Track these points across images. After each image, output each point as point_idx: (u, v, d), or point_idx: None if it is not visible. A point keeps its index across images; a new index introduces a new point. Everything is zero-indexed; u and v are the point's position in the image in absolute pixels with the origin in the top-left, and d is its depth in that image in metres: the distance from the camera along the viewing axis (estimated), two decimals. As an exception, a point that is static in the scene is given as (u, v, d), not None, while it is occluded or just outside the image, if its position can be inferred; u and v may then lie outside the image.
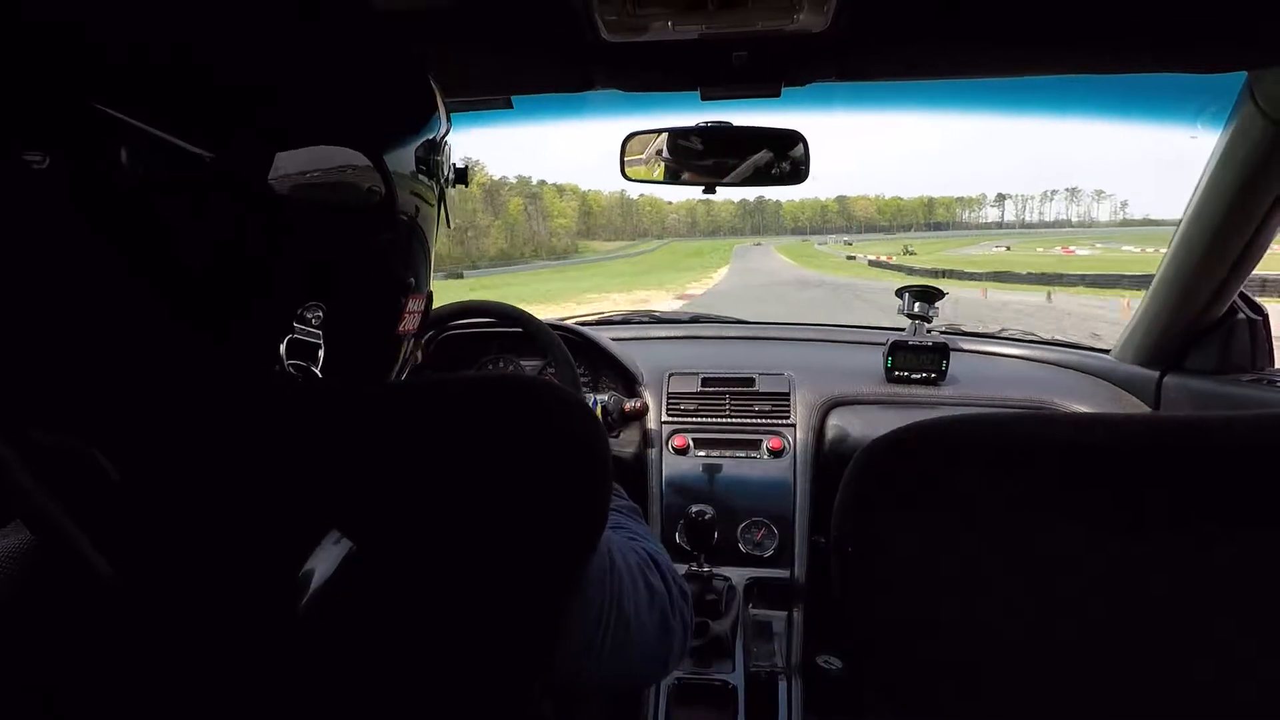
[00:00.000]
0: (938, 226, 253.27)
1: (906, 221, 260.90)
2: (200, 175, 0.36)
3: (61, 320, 0.34)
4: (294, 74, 0.40)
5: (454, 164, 0.56)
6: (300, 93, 0.40)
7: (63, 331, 0.34)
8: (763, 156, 1.05)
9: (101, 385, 0.35)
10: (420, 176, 0.48)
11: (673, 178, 1.12)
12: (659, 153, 1.10)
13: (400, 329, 0.50)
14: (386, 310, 0.49)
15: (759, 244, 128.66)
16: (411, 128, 0.48)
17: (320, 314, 0.42)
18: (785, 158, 1.06)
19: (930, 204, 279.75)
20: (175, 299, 0.37)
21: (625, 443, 1.42)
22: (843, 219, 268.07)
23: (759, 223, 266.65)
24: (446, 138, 0.52)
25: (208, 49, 0.37)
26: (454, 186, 0.56)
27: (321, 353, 0.42)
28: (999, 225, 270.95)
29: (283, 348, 0.41)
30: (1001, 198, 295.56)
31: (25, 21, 0.33)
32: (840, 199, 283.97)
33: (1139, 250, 65.17)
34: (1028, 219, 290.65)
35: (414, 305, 0.51)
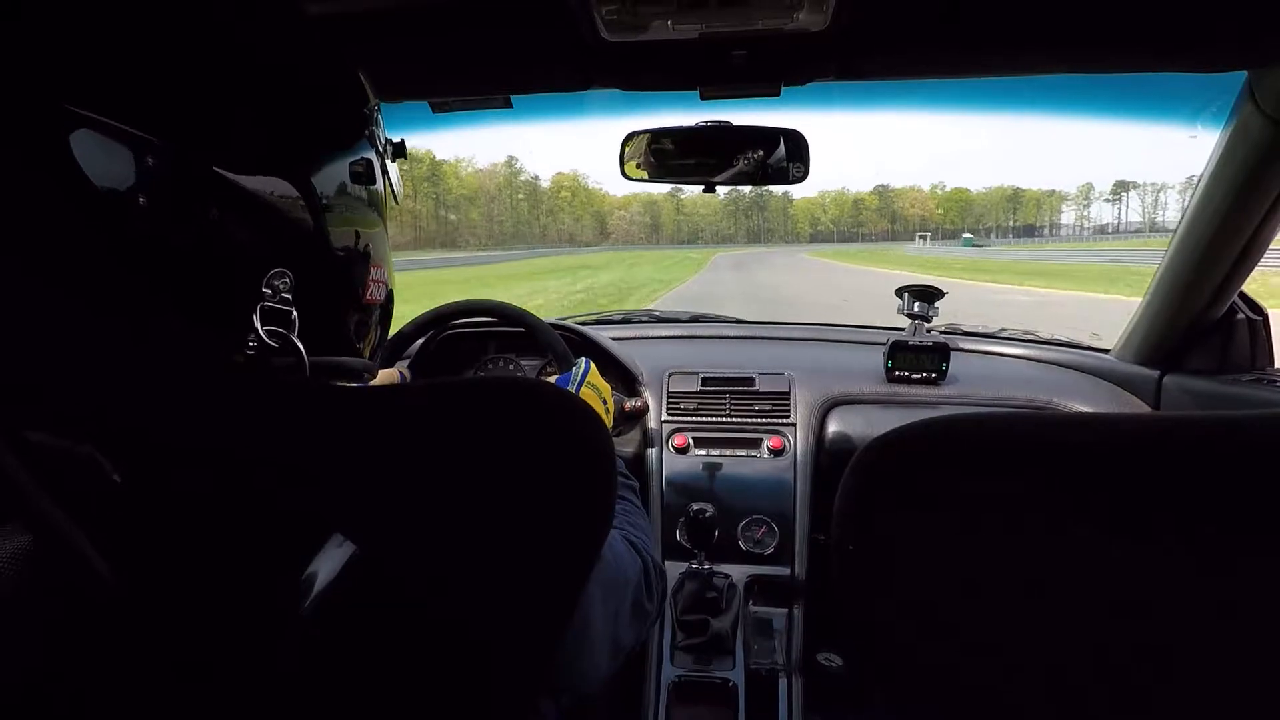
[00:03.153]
0: (1029, 231, 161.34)
1: (979, 222, 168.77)
2: (158, 171, 0.37)
3: (52, 319, 0.34)
4: (239, 79, 0.41)
5: (390, 139, 0.57)
6: (245, 93, 0.41)
7: (54, 330, 0.34)
8: (761, 155, 1.05)
9: (98, 385, 0.35)
10: (358, 184, 0.49)
11: (671, 176, 1.12)
12: (658, 152, 1.10)
13: (368, 298, 0.51)
14: (351, 279, 0.50)
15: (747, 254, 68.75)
16: (347, 139, 0.49)
17: (288, 280, 0.43)
18: (785, 156, 1.06)
19: (1015, 197, 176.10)
20: (152, 286, 0.38)
21: (626, 442, 1.42)
22: (884, 219, 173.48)
23: (757, 225, 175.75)
24: (377, 113, 0.53)
25: (156, 53, 0.38)
26: (392, 160, 0.57)
27: (295, 317, 0.43)
28: (1115, 229, 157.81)
29: (256, 317, 0.42)
30: (1122, 188, 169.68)
31: None
32: (880, 191, 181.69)
33: None
34: (1163, 218, 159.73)
35: (376, 274, 0.52)
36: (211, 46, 0.40)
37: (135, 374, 0.36)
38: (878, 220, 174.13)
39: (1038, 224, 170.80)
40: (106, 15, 0.37)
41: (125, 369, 0.36)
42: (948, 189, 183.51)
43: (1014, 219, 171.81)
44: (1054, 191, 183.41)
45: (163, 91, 0.38)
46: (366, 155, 0.50)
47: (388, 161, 0.55)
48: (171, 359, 0.37)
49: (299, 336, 0.44)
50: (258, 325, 0.42)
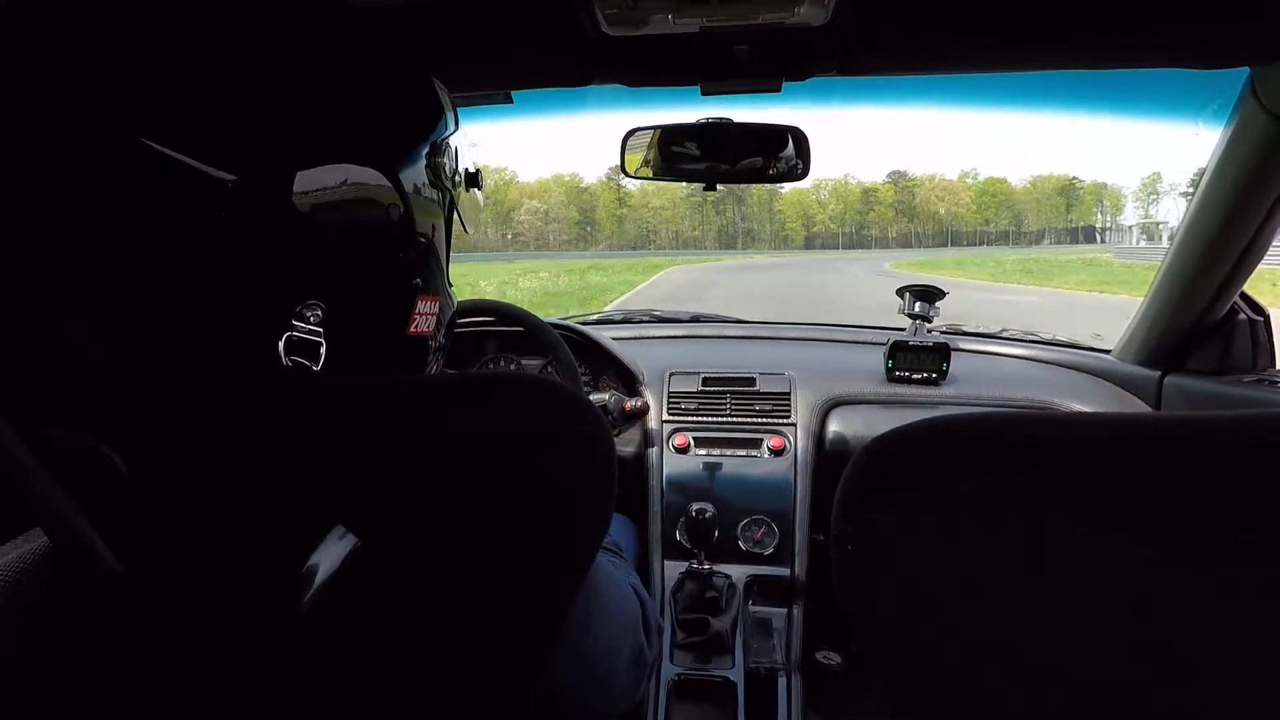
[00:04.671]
0: (1087, 235, 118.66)
1: (1020, 222, 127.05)
2: (223, 195, 0.38)
3: (73, 312, 0.35)
4: (311, 96, 0.41)
5: (465, 169, 0.56)
6: (318, 114, 0.42)
7: (74, 323, 0.35)
8: (764, 152, 1.05)
9: (115, 379, 0.35)
10: (427, 185, 0.49)
11: (672, 174, 1.12)
12: (659, 149, 1.10)
13: (411, 330, 0.50)
14: (395, 311, 0.49)
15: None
16: (420, 140, 0.48)
17: (320, 312, 0.42)
18: (785, 153, 1.06)
19: (1069, 190, 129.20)
20: (192, 300, 0.39)
21: (626, 442, 1.42)
22: (902, 216, 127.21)
23: (732, 224, 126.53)
24: (453, 139, 0.53)
25: (230, 77, 0.39)
26: (467, 190, 0.56)
27: (323, 350, 0.42)
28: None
29: (280, 345, 0.41)
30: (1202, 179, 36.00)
31: (73, 60, 0.35)
32: (896, 178, 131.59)
33: None
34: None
35: (425, 306, 0.51)
36: (262, 72, 0.40)
37: (149, 375, 0.36)
38: (893, 217, 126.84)
39: (1100, 225, 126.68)
40: (162, 51, 0.37)
41: (139, 370, 0.36)
42: (980, 178, 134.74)
43: (1069, 218, 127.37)
44: (1106, 185, 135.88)
45: (199, 118, 0.38)
46: (426, 186, 0.49)
47: (461, 191, 0.54)
48: (187, 362, 0.37)
49: (332, 362, 0.43)
50: (282, 355, 0.41)
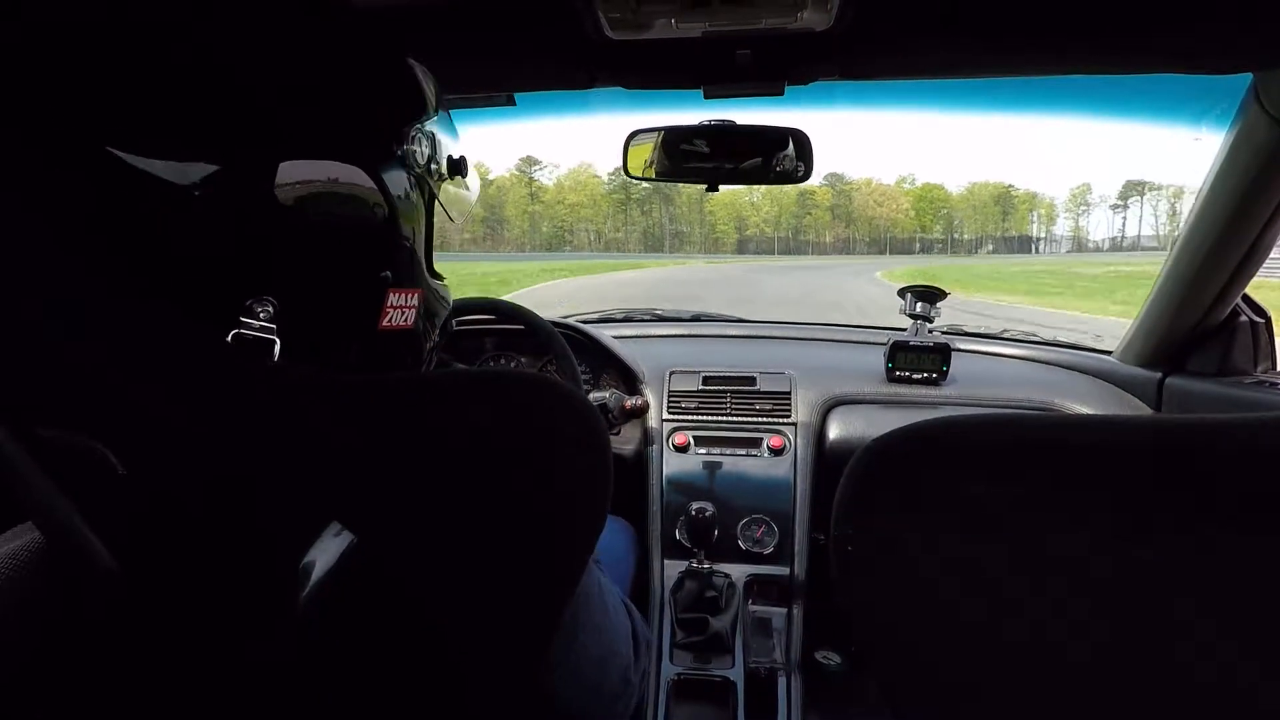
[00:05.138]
0: (1023, 244, 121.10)
1: (959, 229, 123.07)
2: (189, 196, 0.37)
3: (63, 310, 0.35)
4: (289, 95, 0.40)
5: (449, 155, 0.53)
6: (294, 112, 0.40)
7: (66, 321, 0.35)
8: (767, 154, 1.05)
9: (109, 379, 0.35)
10: (404, 175, 0.47)
11: (675, 175, 1.12)
12: (662, 151, 1.10)
13: (385, 324, 0.47)
14: (364, 305, 0.46)
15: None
16: (396, 130, 0.47)
17: (271, 308, 0.40)
18: (788, 155, 1.06)
19: (1006, 198, 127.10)
20: (163, 293, 0.38)
21: (626, 440, 1.42)
22: (839, 220, 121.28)
23: (659, 226, 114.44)
24: (433, 125, 0.51)
25: (209, 76, 0.38)
26: (450, 179, 0.54)
27: (278, 349, 0.40)
28: (1119, 243, 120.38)
29: (228, 340, 0.39)
30: (1133, 191, 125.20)
31: (43, 64, 0.35)
32: (833, 181, 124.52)
33: None
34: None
35: (398, 299, 0.48)
36: (255, 71, 0.40)
37: (144, 374, 0.36)
38: (829, 221, 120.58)
39: (1036, 235, 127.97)
40: (143, 46, 0.37)
41: (134, 370, 0.36)
42: (917, 184, 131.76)
43: (1004, 226, 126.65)
44: (1037, 195, 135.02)
45: (175, 114, 0.37)
46: (402, 176, 0.47)
47: (439, 181, 0.52)
48: (182, 353, 0.37)
49: (298, 359, 0.41)
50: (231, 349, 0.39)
